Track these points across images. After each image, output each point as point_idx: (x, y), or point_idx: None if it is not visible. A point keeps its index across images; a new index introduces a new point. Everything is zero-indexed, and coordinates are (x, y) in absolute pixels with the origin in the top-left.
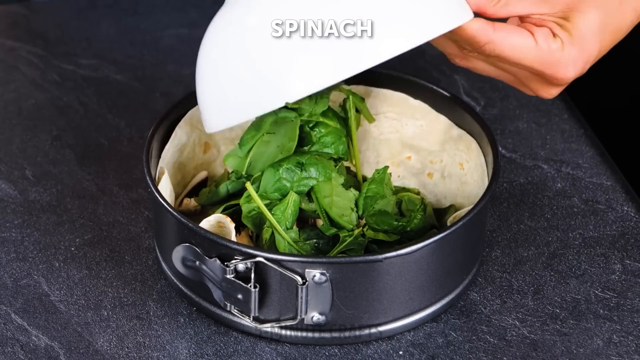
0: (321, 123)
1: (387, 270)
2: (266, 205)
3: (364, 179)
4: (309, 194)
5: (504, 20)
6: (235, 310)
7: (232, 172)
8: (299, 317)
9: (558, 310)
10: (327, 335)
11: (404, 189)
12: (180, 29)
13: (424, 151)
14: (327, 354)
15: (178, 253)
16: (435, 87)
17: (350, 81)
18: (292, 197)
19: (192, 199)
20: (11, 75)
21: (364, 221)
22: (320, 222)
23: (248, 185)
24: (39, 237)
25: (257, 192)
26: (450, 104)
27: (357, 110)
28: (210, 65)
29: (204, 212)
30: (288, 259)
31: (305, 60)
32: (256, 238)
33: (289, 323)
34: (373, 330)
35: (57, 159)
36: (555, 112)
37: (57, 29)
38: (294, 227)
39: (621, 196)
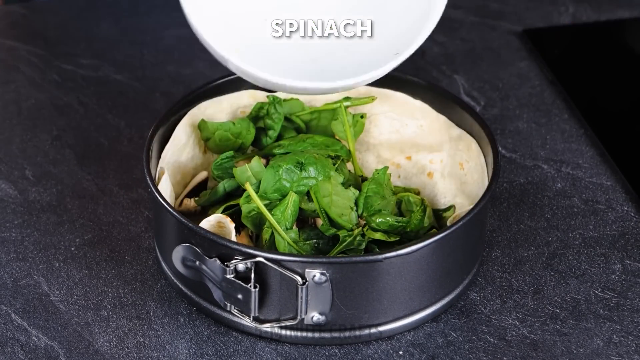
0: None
1: (387, 270)
2: (266, 205)
3: (364, 179)
4: (308, 194)
5: None
6: (235, 310)
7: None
8: (299, 317)
9: (558, 310)
10: (327, 335)
11: (404, 189)
12: (180, 29)
13: (424, 151)
14: (327, 354)
15: (178, 253)
16: (435, 87)
17: None
18: (292, 198)
19: (192, 200)
20: (11, 75)
21: (364, 221)
22: (320, 222)
23: (247, 185)
24: (39, 237)
25: (256, 192)
26: (450, 104)
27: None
28: None
29: (204, 212)
30: (288, 259)
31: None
32: (256, 238)
33: (289, 323)
34: (373, 330)
35: (57, 159)
36: (555, 112)
37: (57, 29)
38: (294, 227)
39: (621, 196)
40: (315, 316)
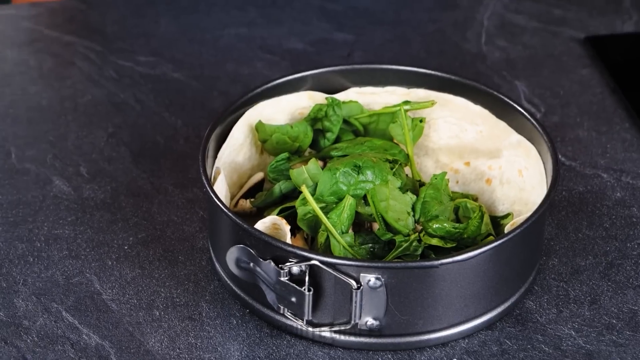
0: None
1: (443, 276)
2: (322, 208)
3: (422, 184)
4: (365, 198)
5: None
6: (289, 313)
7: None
8: (352, 322)
9: (614, 321)
10: (380, 340)
11: (462, 195)
12: (239, 28)
13: (482, 157)
14: (380, 359)
15: (232, 254)
16: (495, 93)
17: (411, 84)
18: (348, 201)
19: (248, 201)
20: (68, 71)
21: (420, 226)
22: (376, 226)
23: (304, 188)
24: (92, 234)
25: (313, 195)
26: (510, 110)
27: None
28: None
29: (259, 213)
30: (343, 263)
31: None
32: (311, 241)
33: (342, 327)
34: (427, 336)
35: (112, 156)
36: (616, 121)
37: (115, 24)
38: (350, 231)
39: None
40: (369, 321)
